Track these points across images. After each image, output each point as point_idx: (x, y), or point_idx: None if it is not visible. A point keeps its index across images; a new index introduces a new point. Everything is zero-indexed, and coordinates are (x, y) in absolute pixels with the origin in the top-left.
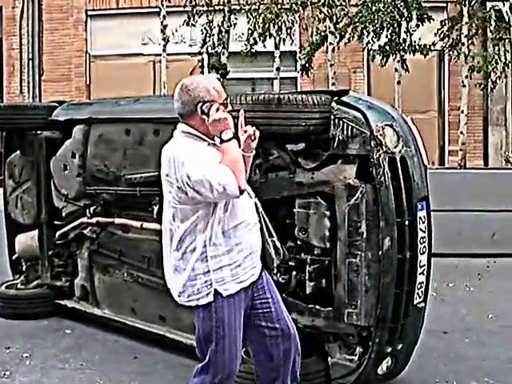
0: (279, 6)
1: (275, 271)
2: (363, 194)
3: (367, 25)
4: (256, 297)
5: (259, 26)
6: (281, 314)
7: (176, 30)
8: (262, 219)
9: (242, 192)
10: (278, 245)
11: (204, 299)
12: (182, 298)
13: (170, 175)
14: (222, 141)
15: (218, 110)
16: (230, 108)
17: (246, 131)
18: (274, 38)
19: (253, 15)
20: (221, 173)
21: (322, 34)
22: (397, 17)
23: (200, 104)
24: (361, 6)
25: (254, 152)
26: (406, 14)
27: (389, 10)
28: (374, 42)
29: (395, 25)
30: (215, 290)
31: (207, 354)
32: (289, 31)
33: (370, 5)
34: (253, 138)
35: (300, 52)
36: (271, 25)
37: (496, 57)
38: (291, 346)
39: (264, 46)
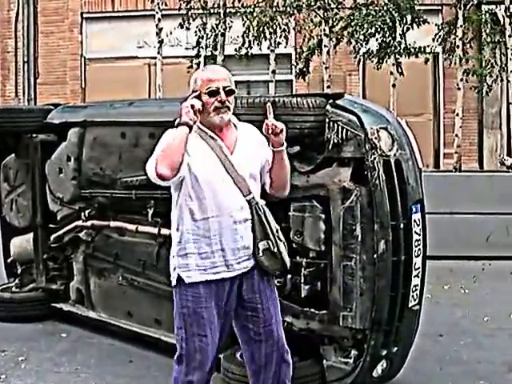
0: (274, 9)
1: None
2: (358, 197)
3: (357, 28)
4: (246, 299)
5: (254, 29)
6: (269, 320)
7: (171, 33)
8: (261, 219)
9: (159, 176)
10: (274, 249)
11: (173, 281)
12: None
13: None
14: (175, 126)
15: (193, 98)
16: (223, 96)
17: (267, 127)
18: (270, 41)
19: (248, 18)
20: (151, 158)
21: (318, 37)
22: (388, 21)
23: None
24: (353, 10)
25: (283, 147)
26: (397, 18)
27: (380, 14)
28: (362, 45)
29: (385, 28)
30: (178, 275)
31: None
32: (284, 34)
33: (362, 8)
34: (271, 132)
35: (296, 55)
36: (266, 28)
37: (492, 60)
38: (273, 351)
39: (260, 48)
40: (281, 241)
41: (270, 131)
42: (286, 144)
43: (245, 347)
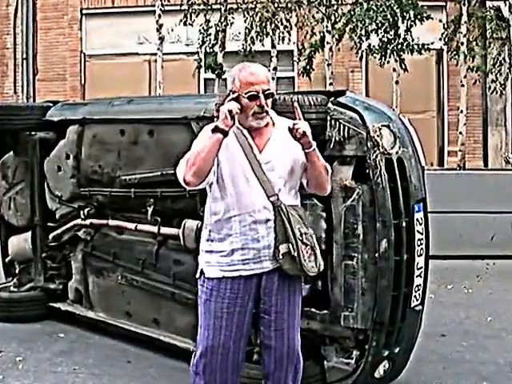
0: (276, 5)
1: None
2: (360, 195)
3: (358, 24)
4: (261, 300)
5: (256, 25)
6: (280, 324)
7: (172, 30)
8: (283, 221)
9: (186, 184)
10: (295, 253)
11: (197, 275)
12: None
13: None
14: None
15: (230, 100)
16: (263, 101)
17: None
18: (271, 37)
19: (250, 14)
20: (181, 162)
21: (320, 33)
22: (388, 16)
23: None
24: (354, 5)
25: (313, 147)
26: (399, 14)
27: (381, 10)
28: (363, 41)
29: (386, 24)
30: (201, 269)
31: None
32: (286, 30)
33: (363, 3)
34: (296, 134)
35: (298, 51)
36: (268, 24)
37: (500, 58)
38: (283, 358)
39: (262, 44)
40: (306, 245)
41: (297, 134)
42: (315, 144)
43: (260, 350)
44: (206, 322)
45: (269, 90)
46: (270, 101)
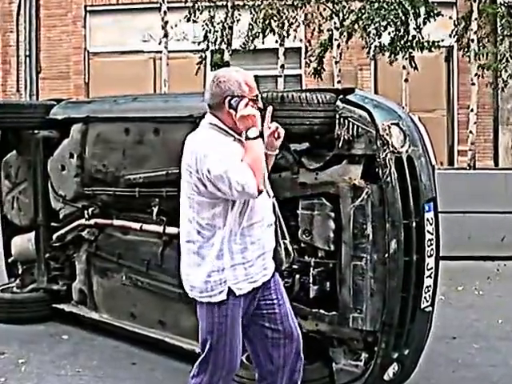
0: (282, 2)
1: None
2: (369, 194)
3: (369, 22)
4: (262, 297)
5: (259, 22)
6: (285, 316)
7: (176, 26)
8: (278, 220)
9: (260, 192)
10: (290, 248)
11: (217, 297)
12: (195, 292)
13: (191, 166)
14: (248, 138)
15: (246, 105)
16: (260, 105)
17: (269, 128)
18: (279, 35)
19: (255, 11)
20: (241, 171)
21: (328, 31)
22: (400, 14)
23: (229, 98)
24: (365, 2)
25: (277, 151)
26: (410, 11)
27: (392, 7)
28: (374, 40)
29: (398, 22)
30: (229, 288)
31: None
32: (292, 27)
33: (374, 1)
34: (276, 135)
35: (305, 49)
36: (272, 21)
37: (507, 54)
38: (292, 349)
39: (263, 42)
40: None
41: (276, 135)
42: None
43: (260, 349)
44: (230, 342)
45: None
46: None
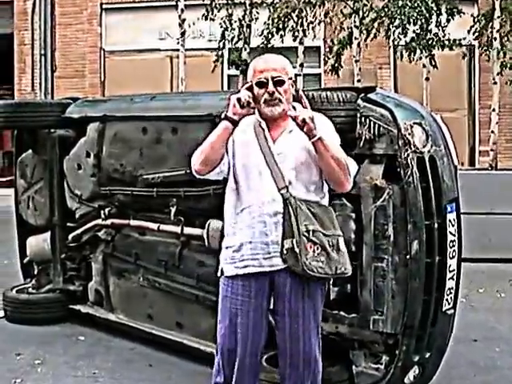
0: (301, 0)
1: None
2: (390, 195)
3: (393, 20)
4: (276, 302)
5: (275, 21)
6: (295, 329)
7: (194, 24)
8: (290, 215)
9: (196, 172)
10: (297, 249)
11: (218, 272)
12: None
13: None
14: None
15: (249, 89)
16: (270, 88)
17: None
18: (298, 33)
19: (274, 9)
20: (196, 151)
21: (348, 29)
22: (424, 12)
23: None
24: (387, 1)
25: (318, 136)
26: (434, 9)
27: (416, 5)
28: (400, 39)
29: (423, 20)
30: (221, 268)
31: None
32: (311, 26)
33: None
34: (301, 123)
35: (325, 48)
36: (288, 19)
37: None
38: (299, 363)
39: (282, 41)
40: (314, 243)
41: (300, 123)
42: (320, 133)
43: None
44: (223, 320)
45: (279, 77)
46: (282, 89)
